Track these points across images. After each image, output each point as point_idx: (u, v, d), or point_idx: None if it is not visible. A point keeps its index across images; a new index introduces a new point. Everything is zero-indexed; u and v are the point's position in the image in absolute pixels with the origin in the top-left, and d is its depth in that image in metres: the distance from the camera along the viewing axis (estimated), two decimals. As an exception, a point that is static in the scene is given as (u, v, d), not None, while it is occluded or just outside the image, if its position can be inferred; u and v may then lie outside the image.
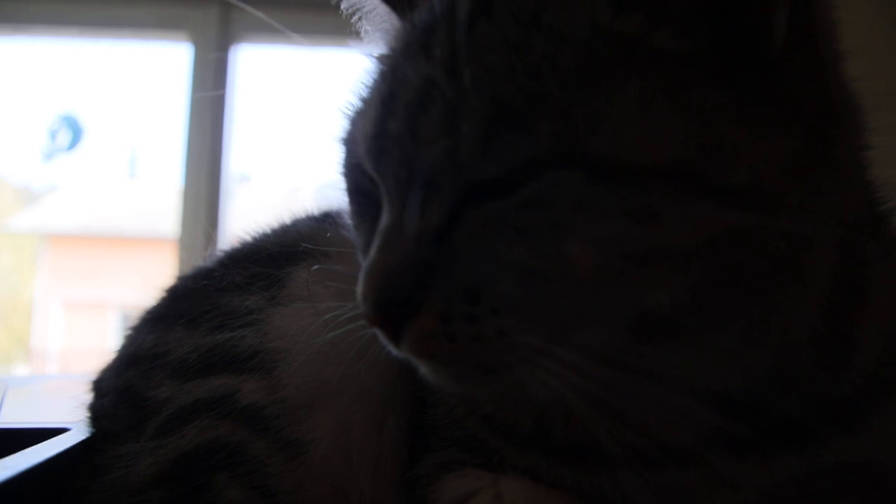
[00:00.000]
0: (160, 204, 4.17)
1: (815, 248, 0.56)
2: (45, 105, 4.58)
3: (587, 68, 0.50)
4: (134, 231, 5.42)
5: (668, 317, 0.51)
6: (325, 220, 0.85)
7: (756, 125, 0.51)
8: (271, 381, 0.72)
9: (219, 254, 0.89)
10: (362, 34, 0.72)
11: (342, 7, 0.72)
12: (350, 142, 0.64)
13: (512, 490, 0.65)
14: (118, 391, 0.78)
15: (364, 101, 0.63)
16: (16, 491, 0.62)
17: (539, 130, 0.49)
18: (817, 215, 0.54)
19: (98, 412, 0.79)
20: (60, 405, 0.85)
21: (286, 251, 0.81)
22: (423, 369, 0.57)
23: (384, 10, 0.68)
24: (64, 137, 4.62)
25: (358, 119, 0.62)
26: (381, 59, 0.64)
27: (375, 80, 0.61)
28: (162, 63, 3.91)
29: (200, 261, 0.90)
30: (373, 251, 0.54)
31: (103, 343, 4.80)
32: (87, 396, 0.83)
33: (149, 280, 0.91)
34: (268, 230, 0.90)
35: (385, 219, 0.55)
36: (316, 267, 0.76)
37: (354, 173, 0.63)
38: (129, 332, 0.86)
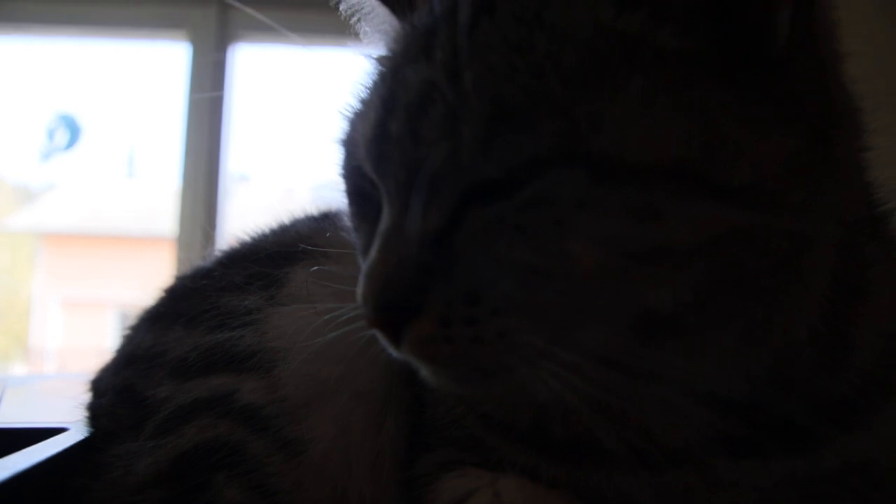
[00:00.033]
0: (158, 203, 4.17)
1: (816, 248, 0.56)
2: (43, 104, 4.58)
3: (590, 67, 0.50)
4: (132, 231, 5.40)
5: (671, 315, 0.51)
6: (324, 221, 0.85)
7: (759, 124, 0.51)
8: (270, 381, 0.72)
9: (217, 253, 0.89)
10: (361, 35, 0.72)
11: (341, 8, 0.72)
12: (350, 143, 0.64)
13: (510, 489, 0.65)
14: (117, 390, 0.78)
15: (364, 103, 0.63)
16: (14, 491, 0.62)
17: (541, 129, 0.49)
18: (818, 215, 0.54)
19: (97, 411, 0.79)
20: (58, 405, 0.85)
21: (285, 251, 0.81)
22: (424, 371, 0.57)
23: (383, 11, 0.68)
24: (62, 137, 4.61)
25: (357, 121, 0.62)
26: (381, 60, 0.63)
27: (375, 82, 0.61)
28: (160, 62, 3.90)
29: (199, 260, 0.91)
30: (373, 253, 0.54)
31: (101, 342, 4.79)
32: (86, 396, 0.83)
33: (147, 280, 0.91)
34: (266, 230, 0.90)
35: (385, 221, 0.55)
36: (315, 268, 0.76)
37: (354, 175, 0.62)
38: (127, 331, 0.87)
